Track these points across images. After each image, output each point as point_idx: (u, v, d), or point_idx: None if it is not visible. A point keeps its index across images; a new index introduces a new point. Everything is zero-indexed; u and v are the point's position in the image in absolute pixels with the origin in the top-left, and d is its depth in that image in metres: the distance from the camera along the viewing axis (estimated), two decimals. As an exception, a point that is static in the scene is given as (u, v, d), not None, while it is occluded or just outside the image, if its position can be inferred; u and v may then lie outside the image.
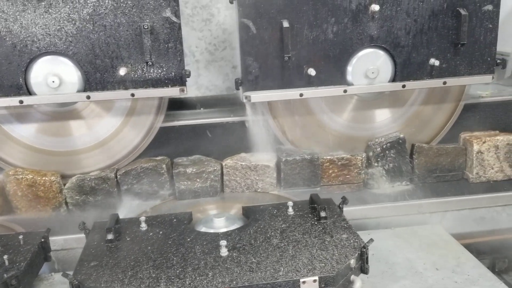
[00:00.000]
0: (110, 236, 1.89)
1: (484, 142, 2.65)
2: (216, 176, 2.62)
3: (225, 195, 2.67)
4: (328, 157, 2.65)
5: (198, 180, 2.61)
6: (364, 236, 2.30)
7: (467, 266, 2.03)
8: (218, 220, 2.03)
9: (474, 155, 2.65)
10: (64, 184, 2.53)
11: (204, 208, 2.51)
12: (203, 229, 2.02)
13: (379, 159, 2.68)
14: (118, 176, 2.57)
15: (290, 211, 2.09)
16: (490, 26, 2.41)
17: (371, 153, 2.70)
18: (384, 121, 2.75)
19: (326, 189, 2.69)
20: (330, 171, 2.69)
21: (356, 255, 1.74)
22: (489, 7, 2.37)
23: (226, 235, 1.90)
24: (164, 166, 2.60)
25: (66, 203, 2.55)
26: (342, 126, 2.73)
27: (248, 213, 2.13)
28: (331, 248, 1.77)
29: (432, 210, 2.48)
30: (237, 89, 2.36)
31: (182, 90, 2.30)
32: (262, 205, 2.17)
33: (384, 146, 2.66)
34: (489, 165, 2.68)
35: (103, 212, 2.48)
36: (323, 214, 2.00)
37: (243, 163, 2.63)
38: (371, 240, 1.79)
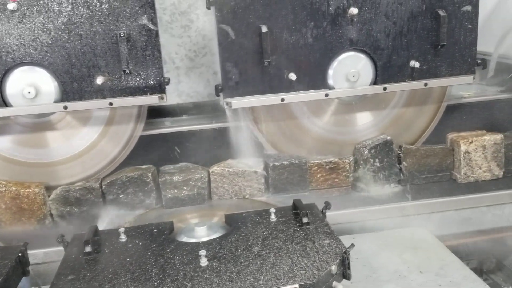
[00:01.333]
0: (88, 249, 1.85)
1: (471, 142, 2.65)
2: (203, 183, 2.59)
3: (213, 202, 2.64)
4: (316, 161, 2.64)
5: (185, 188, 2.59)
6: (349, 240, 2.28)
7: (451, 269, 2.02)
8: (200, 229, 2.00)
9: (462, 155, 2.65)
10: (49, 196, 2.49)
11: (192, 216, 2.48)
12: (184, 238, 1.99)
13: (367, 162, 2.67)
14: (103, 186, 2.54)
15: (273, 217, 2.06)
16: (470, 26, 2.41)
17: (359, 156, 2.69)
18: (366, 124, 2.74)
19: (315, 193, 2.68)
20: (319, 175, 2.67)
21: (338, 261, 1.72)
22: (468, 7, 2.38)
23: (207, 244, 1.87)
24: (149, 174, 2.57)
25: (51, 214, 2.52)
26: (325, 130, 2.72)
27: (231, 221, 2.10)
28: (313, 255, 1.75)
29: (417, 212, 2.48)
30: (217, 95, 2.34)
31: (162, 98, 2.28)
32: (245, 212, 2.14)
33: (372, 149, 2.65)
34: (477, 165, 2.68)
35: (89, 223, 2.41)
36: (305, 219, 1.97)
37: (231, 170, 2.61)
38: (352, 245, 1.77)
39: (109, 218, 2.52)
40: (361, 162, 2.68)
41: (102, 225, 2.40)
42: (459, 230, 2.54)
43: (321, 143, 2.72)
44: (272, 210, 2.08)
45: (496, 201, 2.54)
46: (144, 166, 2.64)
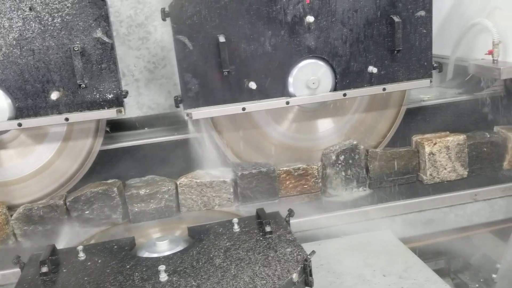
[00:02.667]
0: (44, 269, 1.80)
1: (435, 144, 2.69)
2: (171, 195, 2.56)
3: (182, 214, 2.61)
4: (285, 168, 2.64)
5: (152, 201, 2.54)
6: (314, 247, 2.29)
7: (414, 271, 2.04)
8: (161, 244, 1.97)
9: (426, 156, 2.69)
10: (11, 215, 2.42)
11: (155, 230, 2.45)
12: (145, 254, 1.96)
13: (335, 167, 2.68)
14: (68, 203, 2.48)
15: (236, 228, 2.05)
16: (424, 31, 2.46)
17: (326, 161, 2.70)
18: (329, 130, 2.76)
19: (284, 200, 2.67)
20: (288, 182, 2.67)
21: (299, 268, 1.71)
22: (422, 13, 2.43)
23: (168, 258, 1.85)
24: (115, 189, 2.52)
25: (14, 234, 2.44)
26: (288, 138, 2.72)
27: (193, 233, 2.08)
28: (274, 264, 1.74)
29: (380, 215, 2.50)
30: (177, 106, 2.32)
31: (120, 111, 2.24)
32: (208, 224, 2.13)
33: (339, 154, 2.67)
34: (442, 166, 2.72)
35: (53, 241, 2.35)
36: (268, 228, 1.97)
37: (198, 181, 2.58)
38: (313, 252, 1.77)
39: (74, 236, 2.46)
40: (329, 167, 2.69)
41: (68, 243, 2.34)
42: (423, 232, 2.58)
43: (284, 151, 2.72)
44: (235, 220, 2.07)
45: (457, 202, 2.58)
46: (109, 181, 2.60)
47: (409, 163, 2.75)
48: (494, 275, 2.67)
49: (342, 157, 2.67)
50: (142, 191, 2.52)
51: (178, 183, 2.58)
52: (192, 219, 2.50)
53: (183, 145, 2.63)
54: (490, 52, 2.58)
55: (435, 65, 2.55)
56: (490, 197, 2.61)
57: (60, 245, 2.33)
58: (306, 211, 2.51)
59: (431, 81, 2.53)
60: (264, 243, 1.91)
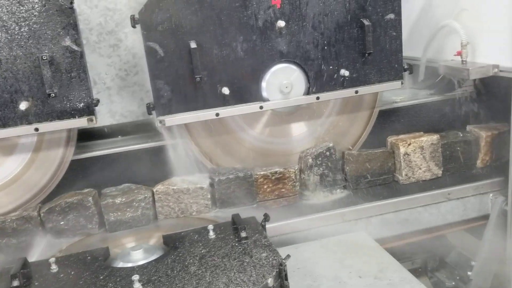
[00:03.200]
0: (15, 283, 1.76)
1: (409, 144, 2.72)
2: (148, 203, 2.53)
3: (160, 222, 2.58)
4: (262, 173, 2.64)
5: (128, 209, 2.51)
6: (292, 250, 2.29)
7: (389, 271, 2.06)
8: (135, 253, 1.95)
9: (401, 157, 2.72)
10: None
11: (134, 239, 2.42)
12: (120, 264, 1.93)
13: (312, 170, 2.69)
14: (42, 214, 2.43)
15: (211, 234, 2.04)
16: (394, 34, 2.49)
17: (303, 165, 2.71)
18: (303, 133, 2.78)
19: (262, 204, 2.67)
20: (265, 186, 2.67)
21: (274, 273, 1.71)
22: (391, 15, 2.46)
23: (142, 268, 1.83)
24: (90, 198, 2.48)
25: (-13, 248, 2.38)
26: (263, 142, 2.73)
27: (168, 241, 2.07)
28: (249, 269, 1.74)
29: (356, 217, 2.52)
30: (150, 113, 2.30)
31: (91, 120, 2.21)
32: (183, 231, 2.11)
33: (316, 156, 2.68)
34: (417, 166, 2.75)
35: (28, 254, 2.31)
36: (243, 234, 1.97)
37: (175, 187, 2.56)
38: (288, 256, 1.77)
39: (49, 247, 2.41)
40: (306, 170, 2.70)
41: (42, 256, 2.29)
42: (399, 232, 2.60)
43: (260, 155, 2.73)
44: (210, 227, 2.06)
45: (431, 201, 2.61)
46: (84, 190, 2.55)
47: (385, 164, 2.78)
48: (469, 273, 2.73)
49: (319, 160, 2.68)
50: (118, 200, 2.49)
51: (154, 190, 2.56)
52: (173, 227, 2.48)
53: (158, 152, 2.61)
54: (459, 53, 2.63)
55: (405, 67, 2.59)
56: (463, 196, 2.65)
57: (35, 258, 2.29)
58: (284, 215, 2.51)
59: (402, 83, 2.56)
60: (240, 248, 1.90)
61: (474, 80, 2.85)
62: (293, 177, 2.68)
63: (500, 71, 2.51)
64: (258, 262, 1.79)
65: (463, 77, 2.65)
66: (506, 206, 2.59)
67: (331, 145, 2.71)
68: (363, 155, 2.74)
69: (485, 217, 2.71)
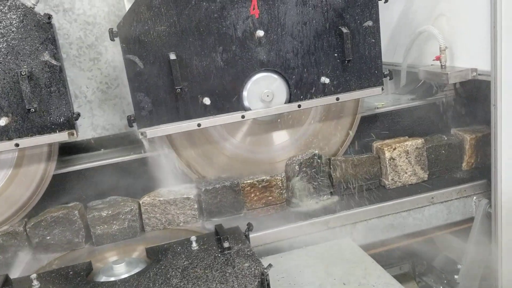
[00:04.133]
0: (-4, 301, 1.75)
1: (394, 149, 2.74)
2: (134, 216, 2.52)
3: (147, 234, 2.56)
4: (249, 181, 2.64)
5: (115, 222, 2.50)
6: (276, 259, 2.30)
7: (373, 277, 2.06)
8: (118, 267, 1.94)
9: (387, 162, 2.73)
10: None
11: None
12: (102, 278, 1.92)
13: (298, 177, 2.69)
14: (28, 229, 2.41)
15: (194, 246, 2.04)
16: (373, 40, 2.51)
17: (290, 172, 2.71)
18: (286, 141, 2.78)
19: (250, 213, 2.67)
20: (252, 195, 2.67)
21: (256, 283, 1.71)
22: (369, 23, 2.48)
23: (124, 282, 1.82)
24: (76, 212, 2.47)
25: (-26, 266, 2.36)
26: (247, 151, 2.73)
27: (152, 254, 2.06)
28: (232, 280, 1.74)
29: (341, 223, 2.52)
30: (131, 126, 2.30)
31: (72, 134, 2.21)
32: (166, 243, 2.11)
33: (302, 164, 2.68)
34: (402, 170, 2.77)
35: (16, 270, 2.31)
36: (226, 244, 1.97)
37: (162, 199, 2.55)
38: (270, 265, 1.77)
39: (35, 262, 2.39)
40: (293, 177, 2.70)
41: (29, 271, 2.26)
42: (384, 237, 2.61)
43: (244, 164, 2.73)
44: (193, 238, 2.06)
45: (415, 205, 2.63)
46: (70, 204, 2.54)
47: (371, 169, 2.79)
48: (456, 276, 2.74)
49: (305, 167, 2.69)
50: (104, 213, 2.48)
51: (141, 202, 2.55)
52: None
53: (142, 164, 2.61)
54: (438, 58, 2.66)
55: (385, 73, 2.61)
56: (447, 199, 2.67)
57: (19, 274, 2.27)
58: (271, 223, 2.51)
59: (382, 89, 2.57)
60: (222, 259, 1.90)
61: (455, 84, 2.88)
62: (280, 185, 2.68)
63: (479, 74, 2.54)
64: (241, 272, 1.78)
65: (442, 82, 2.68)
66: (490, 208, 2.61)
67: (317, 152, 2.72)
68: (349, 161, 2.75)
69: (470, 220, 2.73)
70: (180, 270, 1.85)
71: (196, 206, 2.59)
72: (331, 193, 2.76)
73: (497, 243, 2.56)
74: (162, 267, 1.89)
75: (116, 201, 2.59)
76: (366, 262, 2.19)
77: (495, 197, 2.53)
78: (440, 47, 2.64)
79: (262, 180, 2.66)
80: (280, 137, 2.79)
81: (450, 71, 2.59)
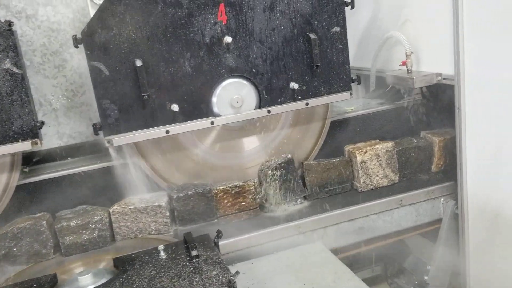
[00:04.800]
0: (-47, 318, 1.69)
1: (365, 152, 2.77)
2: (104, 225, 2.48)
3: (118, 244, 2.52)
4: (221, 187, 2.62)
5: (84, 232, 2.45)
6: (248, 266, 2.29)
7: (342, 281, 2.07)
8: (83, 278, 1.90)
9: (359, 165, 2.76)
10: None
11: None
12: (68, 290, 1.88)
13: (271, 182, 2.69)
14: (-7, 241, 2.34)
15: (162, 255, 2.01)
16: (341, 46, 2.54)
17: (263, 177, 2.71)
18: (257, 147, 2.78)
19: (223, 219, 2.65)
20: (225, 201, 2.65)
21: (224, 291, 1.70)
22: (337, 29, 2.51)
23: (89, 293, 1.78)
24: (44, 223, 2.41)
25: None
26: (217, 157, 2.72)
27: (119, 264, 2.02)
28: (199, 289, 1.72)
29: (312, 228, 2.53)
30: (96, 134, 2.26)
31: (35, 143, 2.16)
32: (133, 253, 2.07)
33: (275, 168, 2.68)
34: (374, 173, 2.80)
35: None
36: (194, 253, 1.95)
37: (132, 207, 2.51)
38: (237, 272, 1.77)
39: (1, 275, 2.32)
40: (266, 182, 2.70)
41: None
42: (355, 240, 2.63)
43: (214, 171, 2.71)
44: (161, 247, 2.03)
45: (384, 208, 2.65)
46: (37, 215, 2.48)
47: (343, 173, 2.81)
48: (426, 277, 2.78)
49: (278, 172, 2.69)
50: (73, 223, 2.43)
51: (111, 211, 2.51)
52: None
53: (111, 173, 2.56)
54: (404, 63, 2.71)
55: (354, 77, 2.64)
56: (415, 201, 2.71)
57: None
58: (243, 229, 2.50)
59: (351, 94, 2.60)
60: (190, 268, 1.88)
61: (421, 88, 2.94)
62: (253, 190, 2.68)
63: (443, 79, 2.60)
64: (208, 280, 1.77)
65: (408, 86, 2.72)
66: (457, 209, 2.66)
67: (289, 156, 2.72)
68: (321, 165, 2.77)
69: (439, 221, 2.78)
70: (147, 280, 1.82)
71: (168, 214, 2.56)
72: (305, 197, 2.77)
73: (464, 243, 2.61)
74: (129, 277, 1.86)
75: (86, 210, 2.54)
76: (336, 266, 2.20)
77: (462, 199, 2.58)
78: (406, 52, 2.68)
79: (235, 186, 2.65)
80: (251, 143, 2.78)
81: (415, 76, 2.63)
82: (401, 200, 2.68)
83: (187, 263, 1.91)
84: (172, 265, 1.91)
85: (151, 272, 1.88)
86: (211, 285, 1.73)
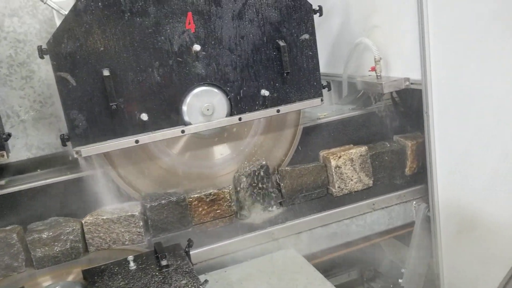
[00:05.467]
0: None
1: (339, 157, 2.79)
2: (76, 236, 2.45)
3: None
4: (196, 195, 2.61)
5: (56, 244, 2.42)
6: (220, 274, 2.28)
7: (314, 286, 2.08)
8: (51, 291, 1.87)
9: (333, 170, 2.78)
10: None
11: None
12: (35, 304, 1.84)
13: (246, 189, 2.69)
14: (-38, 255, 2.29)
15: (132, 265, 1.99)
16: (310, 53, 2.56)
17: (238, 184, 2.70)
18: (229, 154, 2.79)
19: (198, 227, 2.63)
20: (200, 209, 2.64)
21: (192, 300, 1.69)
22: (306, 36, 2.53)
23: (55, 307, 1.75)
24: (14, 235, 2.37)
25: None
26: (189, 166, 2.71)
27: (88, 276, 2.00)
28: (167, 299, 1.71)
29: (285, 234, 2.53)
30: (64, 145, 2.23)
31: (1, 155, 2.13)
32: (103, 264, 2.05)
33: (249, 175, 2.68)
34: (348, 178, 2.82)
35: None
36: (164, 262, 1.93)
37: (105, 217, 2.49)
38: (206, 281, 1.76)
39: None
40: (241, 189, 2.69)
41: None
42: (329, 245, 2.64)
43: (186, 179, 2.70)
44: (131, 257, 2.02)
45: (357, 212, 2.68)
46: (7, 227, 2.44)
47: (318, 178, 2.83)
48: (400, 280, 2.80)
49: (253, 178, 2.69)
50: (44, 235, 2.40)
51: (83, 222, 2.48)
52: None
53: (79, 184, 2.54)
54: (373, 69, 2.74)
55: (324, 84, 2.66)
56: (387, 205, 2.74)
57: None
58: (217, 238, 2.49)
59: (322, 100, 2.62)
60: (160, 278, 1.87)
61: (391, 93, 2.98)
62: (228, 198, 2.67)
63: (411, 83, 2.64)
64: (177, 290, 1.76)
65: (378, 91, 2.76)
66: (429, 212, 2.69)
67: (264, 162, 2.73)
68: (296, 171, 2.78)
69: (411, 224, 2.81)
70: (115, 292, 1.81)
71: (141, 224, 2.54)
72: (280, 204, 2.78)
73: (437, 245, 2.64)
74: (97, 289, 1.84)
75: (58, 222, 2.51)
76: (308, 272, 2.20)
77: (433, 201, 2.62)
78: (374, 58, 2.72)
79: (210, 194, 2.63)
80: (222, 151, 2.78)
81: (384, 81, 2.67)
82: (373, 204, 2.70)
83: (157, 273, 1.90)
84: (141, 276, 1.90)
85: (120, 283, 1.86)
86: (179, 295, 1.72)
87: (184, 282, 1.80)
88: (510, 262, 2.16)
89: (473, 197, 2.36)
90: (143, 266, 1.98)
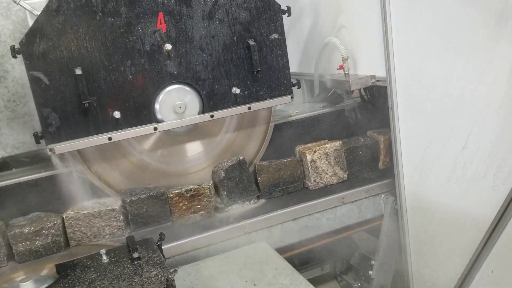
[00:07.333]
0: None
1: (315, 152, 2.87)
2: (58, 230, 2.49)
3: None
4: (176, 191, 2.65)
5: (37, 238, 2.46)
6: (193, 267, 2.34)
7: (282, 276, 2.15)
8: (25, 285, 1.91)
9: (309, 164, 2.85)
10: None
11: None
12: (7, 298, 1.88)
13: (225, 183, 2.75)
14: None
15: (105, 259, 2.04)
16: (280, 52, 2.64)
17: (217, 179, 2.76)
18: (202, 152, 2.85)
19: (177, 221, 2.67)
20: (181, 204, 2.68)
21: (162, 289, 1.75)
22: (275, 35, 2.61)
23: (28, 299, 1.79)
24: (-4, 231, 2.39)
25: None
26: (162, 163, 2.76)
27: (61, 270, 2.03)
28: (137, 288, 1.76)
29: (257, 228, 2.60)
30: (38, 143, 2.27)
31: (-25, 154, 2.16)
32: (76, 258, 2.09)
33: (227, 170, 2.74)
34: (323, 171, 2.90)
35: None
36: (135, 255, 1.98)
37: (85, 212, 2.53)
38: (175, 270, 1.81)
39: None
40: (220, 184, 2.75)
41: None
42: (300, 239, 2.71)
43: (160, 176, 2.75)
44: (103, 251, 2.06)
45: (327, 206, 2.75)
46: (-12, 224, 2.47)
47: (295, 172, 2.91)
48: (370, 272, 2.88)
49: (231, 173, 2.75)
50: (26, 229, 2.44)
51: (64, 216, 2.52)
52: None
53: (54, 181, 2.57)
54: (341, 67, 2.83)
55: (294, 82, 2.75)
56: (357, 199, 2.82)
57: None
58: (192, 232, 2.54)
59: (292, 97, 2.70)
60: (131, 269, 1.92)
61: (360, 90, 3.08)
62: (208, 193, 2.71)
63: (377, 81, 2.74)
64: (147, 280, 1.81)
65: (346, 89, 2.85)
66: (397, 205, 2.78)
67: (241, 157, 2.79)
68: (273, 165, 2.85)
69: (381, 217, 2.90)
70: (87, 283, 1.85)
71: (121, 218, 2.58)
72: (258, 197, 2.84)
73: (405, 237, 2.74)
74: (70, 281, 1.88)
75: (39, 217, 2.55)
76: (277, 263, 2.27)
77: (400, 194, 2.71)
78: (342, 57, 2.81)
79: (190, 190, 2.67)
80: (195, 148, 2.84)
81: (352, 79, 2.76)
82: (343, 198, 2.79)
83: (128, 265, 1.95)
84: (113, 268, 1.94)
85: (92, 275, 1.91)
86: (149, 284, 1.77)
87: (154, 273, 1.86)
88: (471, 249, 2.26)
89: (435, 190, 2.46)
90: (115, 259, 2.03)
